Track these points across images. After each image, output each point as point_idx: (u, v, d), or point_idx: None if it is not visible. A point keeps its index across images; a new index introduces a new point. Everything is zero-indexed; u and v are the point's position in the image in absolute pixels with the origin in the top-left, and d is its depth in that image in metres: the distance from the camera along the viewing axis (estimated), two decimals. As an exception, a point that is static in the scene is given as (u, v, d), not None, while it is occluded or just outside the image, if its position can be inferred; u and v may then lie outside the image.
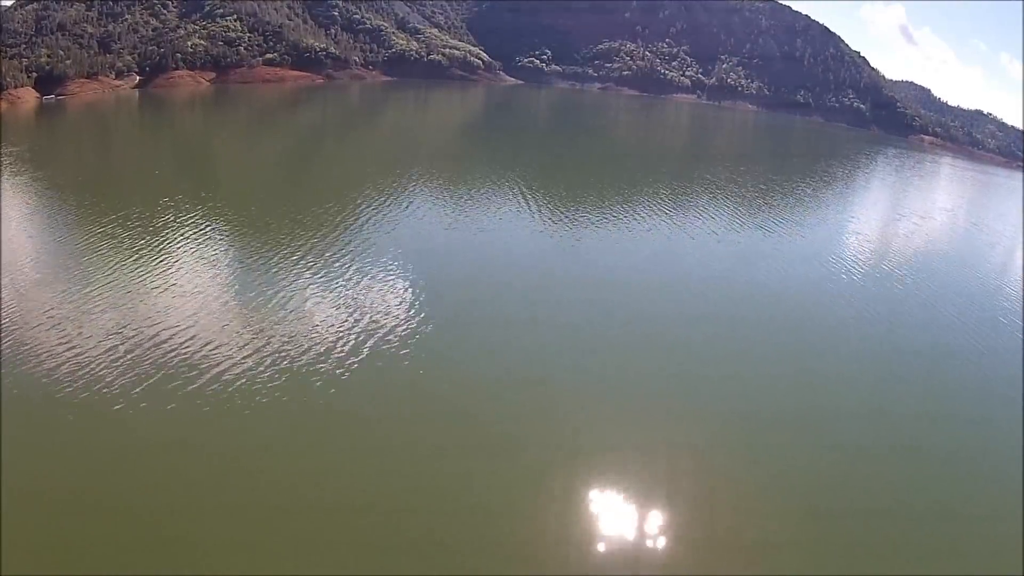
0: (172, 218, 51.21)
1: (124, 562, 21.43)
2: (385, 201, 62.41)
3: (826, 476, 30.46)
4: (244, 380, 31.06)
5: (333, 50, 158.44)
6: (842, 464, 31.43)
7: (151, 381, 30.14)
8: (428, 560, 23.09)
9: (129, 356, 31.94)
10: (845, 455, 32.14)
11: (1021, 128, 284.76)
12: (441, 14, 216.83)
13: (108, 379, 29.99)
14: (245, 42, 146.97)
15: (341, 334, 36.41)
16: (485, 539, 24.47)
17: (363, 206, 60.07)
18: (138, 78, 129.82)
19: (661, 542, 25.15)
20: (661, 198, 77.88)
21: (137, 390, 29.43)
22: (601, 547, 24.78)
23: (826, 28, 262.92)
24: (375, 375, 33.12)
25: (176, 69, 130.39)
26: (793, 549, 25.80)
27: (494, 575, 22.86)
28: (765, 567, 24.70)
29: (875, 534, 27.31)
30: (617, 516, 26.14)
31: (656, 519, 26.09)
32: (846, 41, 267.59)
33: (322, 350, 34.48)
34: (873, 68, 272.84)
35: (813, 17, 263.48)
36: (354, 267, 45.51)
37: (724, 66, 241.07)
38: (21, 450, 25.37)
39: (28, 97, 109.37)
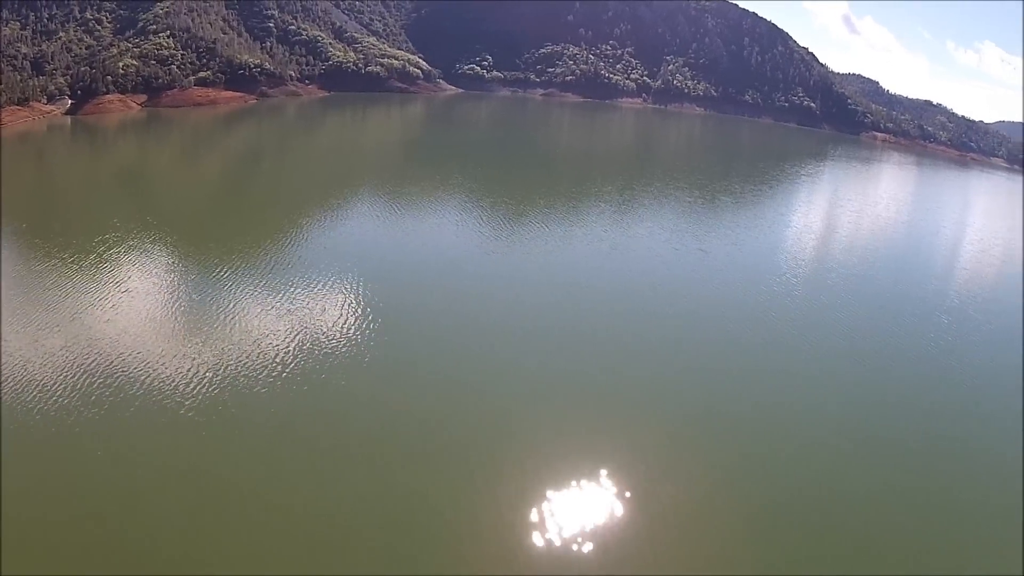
0: (123, 249, 52.54)
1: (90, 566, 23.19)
2: (326, 220, 66.03)
3: (816, 475, 30.66)
4: (197, 397, 32.59)
5: (268, 66, 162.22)
6: (831, 463, 31.61)
7: (104, 401, 31.70)
8: (384, 564, 23.90)
9: (81, 376, 33.68)
10: (834, 454, 32.40)
11: (972, 118, 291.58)
12: (379, 21, 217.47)
13: (65, 397, 31.84)
14: (178, 60, 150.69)
15: (289, 348, 37.88)
16: (440, 542, 25.47)
17: (304, 226, 63.62)
18: (70, 102, 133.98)
19: (619, 541, 25.68)
20: (604, 214, 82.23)
21: (91, 408, 31.10)
22: (559, 547, 25.42)
23: (774, 25, 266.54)
24: (325, 386, 34.35)
25: (107, 93, 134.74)
26: (784, 548, 26.08)
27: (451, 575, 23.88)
28: (748, 566, 24.98)
29: (870, 534, 27.29)
30: (576, 516, 26.59)
31: (617, 518, 26.54)
32: (793, 37, 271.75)
33: (271, 364, 35.93)
34: (822, 64, 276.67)
35: (759, 14, 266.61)
36: (299, 284, 47.36)
37: (670, 67, 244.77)
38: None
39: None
